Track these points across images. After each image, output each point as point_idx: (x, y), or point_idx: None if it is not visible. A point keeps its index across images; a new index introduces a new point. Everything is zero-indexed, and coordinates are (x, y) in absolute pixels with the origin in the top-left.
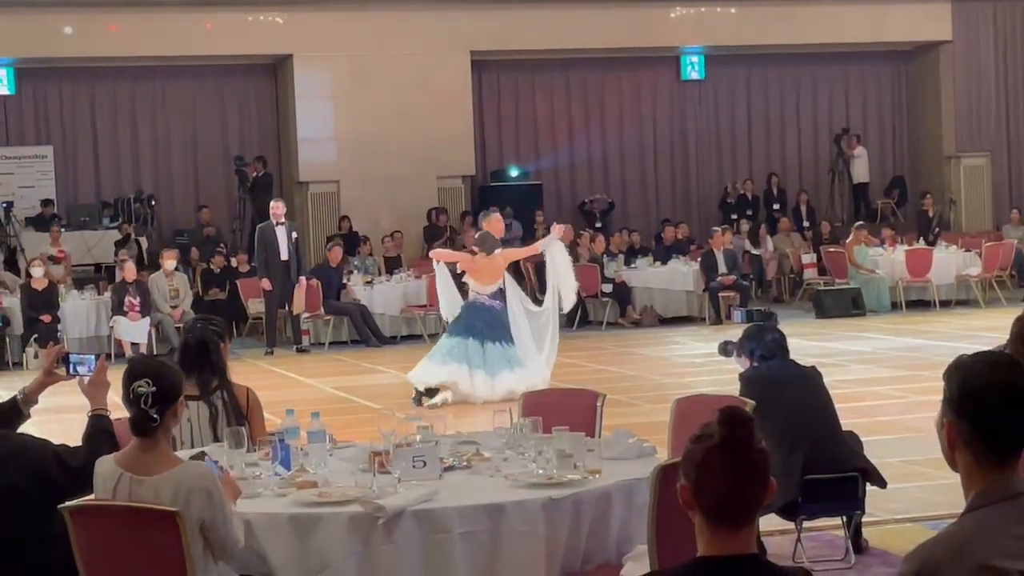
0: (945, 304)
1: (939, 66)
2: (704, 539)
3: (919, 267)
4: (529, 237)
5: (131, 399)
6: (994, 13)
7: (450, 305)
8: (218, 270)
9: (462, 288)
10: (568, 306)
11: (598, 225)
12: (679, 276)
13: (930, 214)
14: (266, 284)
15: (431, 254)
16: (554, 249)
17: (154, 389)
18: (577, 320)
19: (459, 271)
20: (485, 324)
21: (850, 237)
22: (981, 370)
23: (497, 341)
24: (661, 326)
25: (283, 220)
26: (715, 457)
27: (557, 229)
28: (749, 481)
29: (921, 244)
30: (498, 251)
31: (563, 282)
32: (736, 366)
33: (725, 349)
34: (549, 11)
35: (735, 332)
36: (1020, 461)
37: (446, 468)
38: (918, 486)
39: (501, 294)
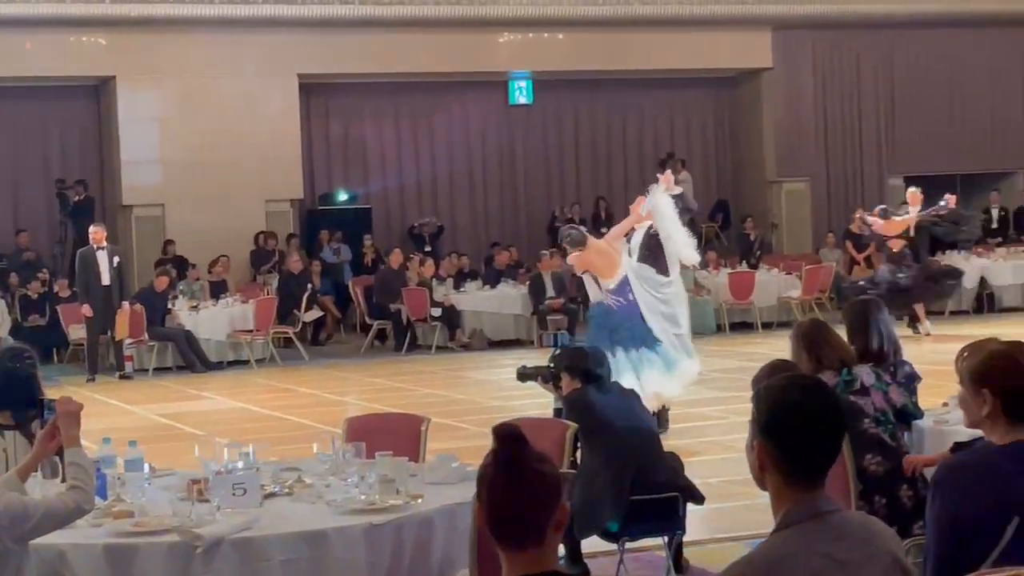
0: (767, 326)
1: (760, 93)
2: (502, 559)
3: (742, 290)
4: (357, 261)
5: None
6: (812, 42)
7: None
8: (36, 296)
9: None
10: (694, 261)
11: (428, 249)
12: (508, 299)
13: (752, 237)
14: (87, 310)
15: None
16: (660, 205)
17: None
18: (406, 344)
19: (579, 273)
20: (622, 328)
21: None
22: (788, 394)
23: (641, 346)
24: (490, 349)
25: (104, 244)
26: (490, 475)
27: (665, 178)
28: (524, 499)
29: (743, 267)
30: (588, 242)
31: (677, 244)
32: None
33: (524, 373)
34: (377, 35)
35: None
36: (826, 482)
37: (267, 495)
38: (738, 505)
39: (626, 286)
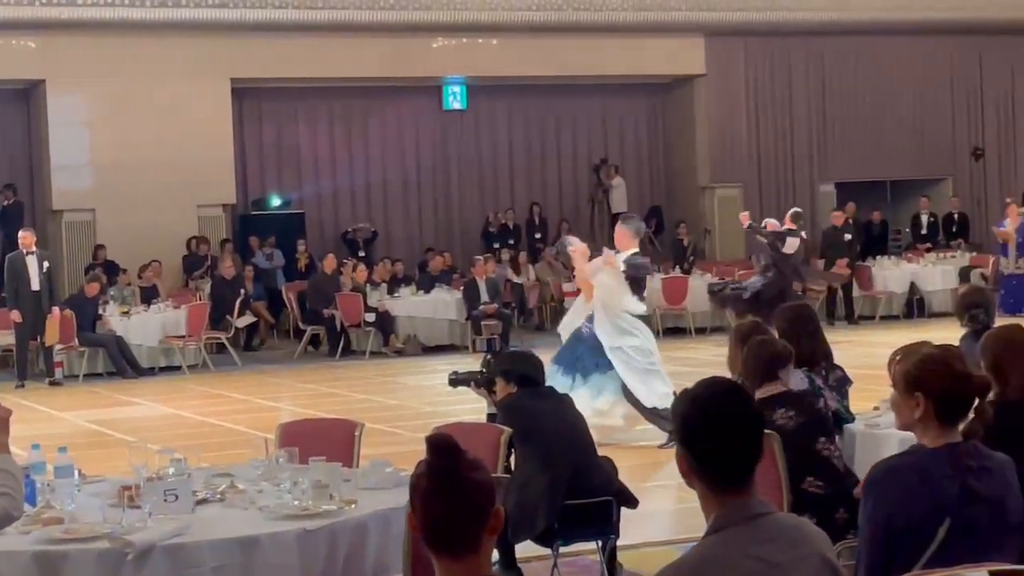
0: (701, 331)
1: (694, 99)
2: (436, 566)
3: (675, 295)
4: (291, 266)
5: None
6: (745, 48)
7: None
8: None
9: None
10: (639, 312)
11: (361, 254)
12: (442, 305)
13: (685, 243)
14: (16, 315)
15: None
16: (601, 278)
17: None
18: (340, 349)
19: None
20: (586, 357)
21: None
22: (699, 404)
23: (596, 372)
24: (424, 355)
25: (33, 249)
26: (423, 486)
27: (606, 259)
28: (458, 509)
29: (677, 272)
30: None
31: (623, 305)
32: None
33: (456, 379)
34: (311, 39)
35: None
36: (754, 484)
37: (199, 501)
38: (672, 509)
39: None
